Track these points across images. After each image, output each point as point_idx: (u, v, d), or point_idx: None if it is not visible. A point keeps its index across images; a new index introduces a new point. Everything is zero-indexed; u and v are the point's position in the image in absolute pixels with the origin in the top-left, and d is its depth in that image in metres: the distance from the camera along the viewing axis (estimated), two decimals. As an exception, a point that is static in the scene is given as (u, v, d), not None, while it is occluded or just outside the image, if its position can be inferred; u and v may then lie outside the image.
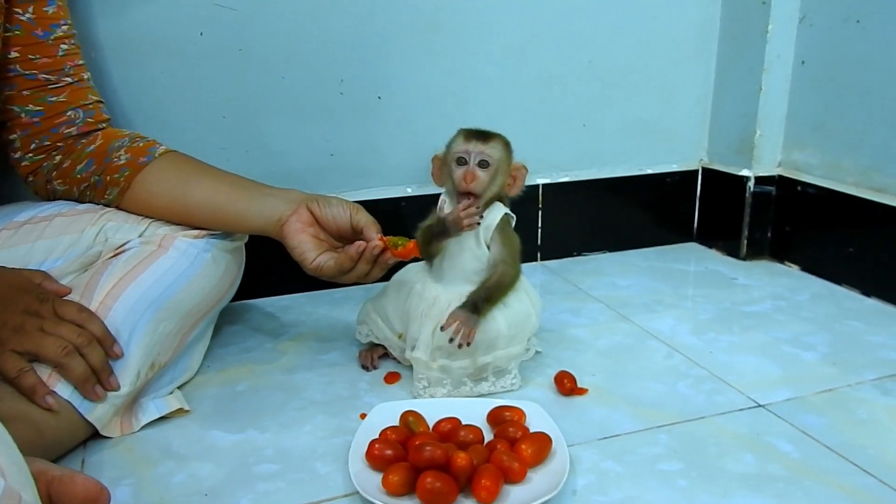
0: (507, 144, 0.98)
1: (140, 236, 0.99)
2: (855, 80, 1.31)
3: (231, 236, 1.06)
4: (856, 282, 1.32)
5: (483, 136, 0.96)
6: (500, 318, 0.94)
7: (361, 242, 0.94)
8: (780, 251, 1.47)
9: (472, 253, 0.97)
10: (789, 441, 0.87)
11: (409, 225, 1.37)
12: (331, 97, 1.29)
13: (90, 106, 1.03)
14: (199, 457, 0.85)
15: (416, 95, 1.34)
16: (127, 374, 0.88)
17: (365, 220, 0.98)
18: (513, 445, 0.80)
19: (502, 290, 0.95)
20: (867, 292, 1.30)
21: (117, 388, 0.86)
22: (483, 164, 0.94)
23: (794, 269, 1.44)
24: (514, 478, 0.77)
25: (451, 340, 0.90)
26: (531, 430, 0.83)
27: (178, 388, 0.99)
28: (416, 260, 0.99)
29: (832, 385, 0.99)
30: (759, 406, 0.94)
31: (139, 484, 0.80)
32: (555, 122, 1.45)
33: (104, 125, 1.05)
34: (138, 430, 0.89)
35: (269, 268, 1.27)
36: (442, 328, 0.91)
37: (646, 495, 0.77)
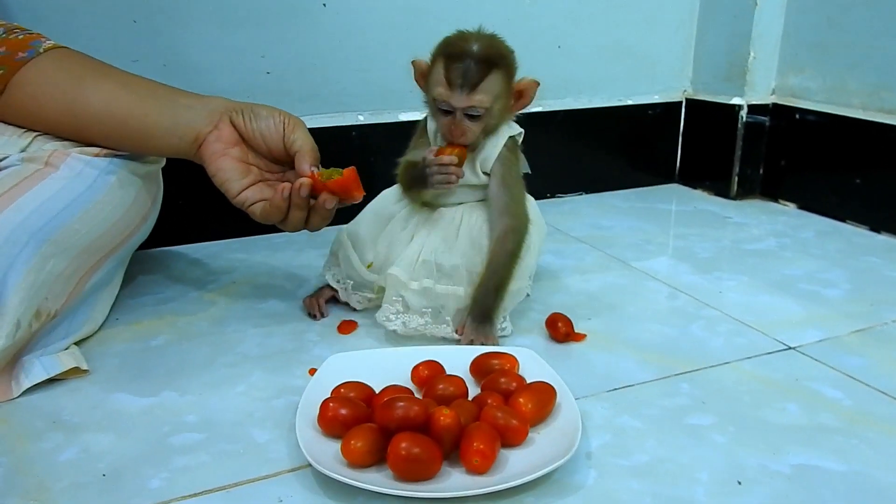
0: (506, 68, 0.76)
1: (22, 151, 0.78)
2: (863, -12, 1.16)
3: (143, 157, 0.85)
4: (863, 217, 1.18)
5: (470, 83, 0.73)
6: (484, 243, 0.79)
7: (287, 184, 0.75)
8: (773, 189, 1.33)
9: (470, 180, 0.79)
10: (834, 386, 0.72)
11: (361, 159, 1.18)
12: (266, 1, 1.08)
13: (-46, -11, 0.81)
14: (97, 427, 0.65)
15: (368, 3, 1.14)
16: (2, 325, 0.68)
17: (301, 142, 0.79)
18: (507, 399, 0.63)
19: (511, 264, 0.78)
20: (876, 228, 1.16)
21: (-11, 343, 0.66)
22: (473, 116, 0.75)
23: (790, 208, 1.30)
24: (512, 439, 0.59)
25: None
26: (527, 381, 0.66)
27: (76, 343, 0.78)
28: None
29: (866, 324, 0.85)
30: (790, 348, 0.79)
31: (14, 464, 0.60)
32: (527, 41, 1.24)
33: (-27, 15, 0.83)
34: (19, 396, 0.69)
35: (193, 207, 1.07)
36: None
37: (677, 455, 0.61)
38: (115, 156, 0.82)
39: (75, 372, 0.73)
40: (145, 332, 0.83)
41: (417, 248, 0.78)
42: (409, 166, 0.80)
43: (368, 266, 0.82)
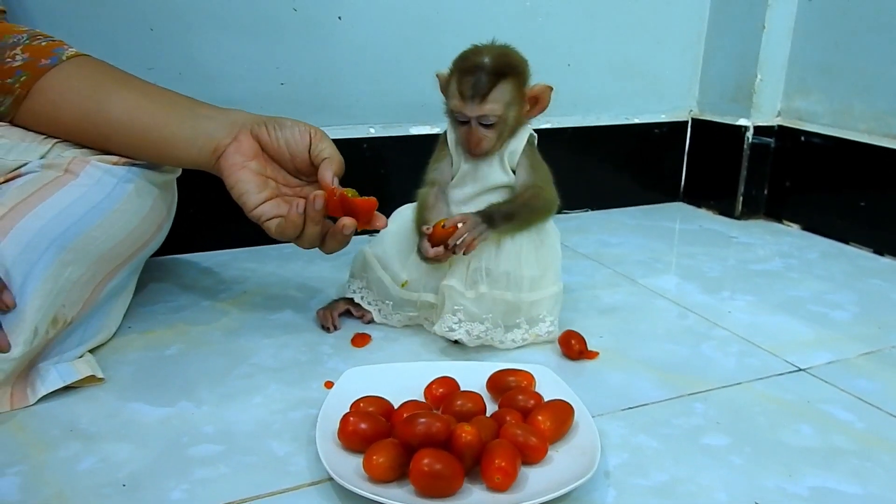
0: (516, 77, 0.79)
1: (42, 158, 0.78)
2: (870, 13, 1.17)
3: (160, 167, 0.86)
4: (867, 240, 1.19)
5: (480, 94, 0.77)
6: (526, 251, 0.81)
7: (301, 200, 0.75)
8: (777, 209, 1.34)
9: (498, 181, 0.82)
10: (846, 409, 0.72)
11: (372, 172, 1.20)
12: (282, 13, 1.09)
13: (-24, -5, 0.82)
14: (114, 436, 0.65)
15: (382, 18, 1.15)
16: (20, 331, 0.67)
17: (328, 151, 0.79)
18: (526, 417, 0.63)
19: (530, 213, 0.81)
20: (880, 251, 1.17)
21: (7, 349, 0.66)
22: (487, 124, 0.78)
23: (793, 228, 1.31)
24: (532, 457, 0.60)
25: (447, 246, 0.76)
26: (544, 399, 0.66)
27: (90, 351, 0.78)
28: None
29: (875, 346, 0.86)
30: (801, 370, 0.80)
31: (32, 472, 0.60)
32: (537, 58, 1.26)
33: (-4, 20, 0.83)
34: (35, 404, 0.69)
35: (204, 215, 1.07)
36: (443, 226, 0.76)
37: (696, 476, 0.61)
38: (134, 164, 0.82)
39: (91, 380, 0.73)
40: (159, 341, 0.83)
41: (466, 259, 0.79)
42: (422, 209, 0.82)
43: (403, 285, 0.83)
